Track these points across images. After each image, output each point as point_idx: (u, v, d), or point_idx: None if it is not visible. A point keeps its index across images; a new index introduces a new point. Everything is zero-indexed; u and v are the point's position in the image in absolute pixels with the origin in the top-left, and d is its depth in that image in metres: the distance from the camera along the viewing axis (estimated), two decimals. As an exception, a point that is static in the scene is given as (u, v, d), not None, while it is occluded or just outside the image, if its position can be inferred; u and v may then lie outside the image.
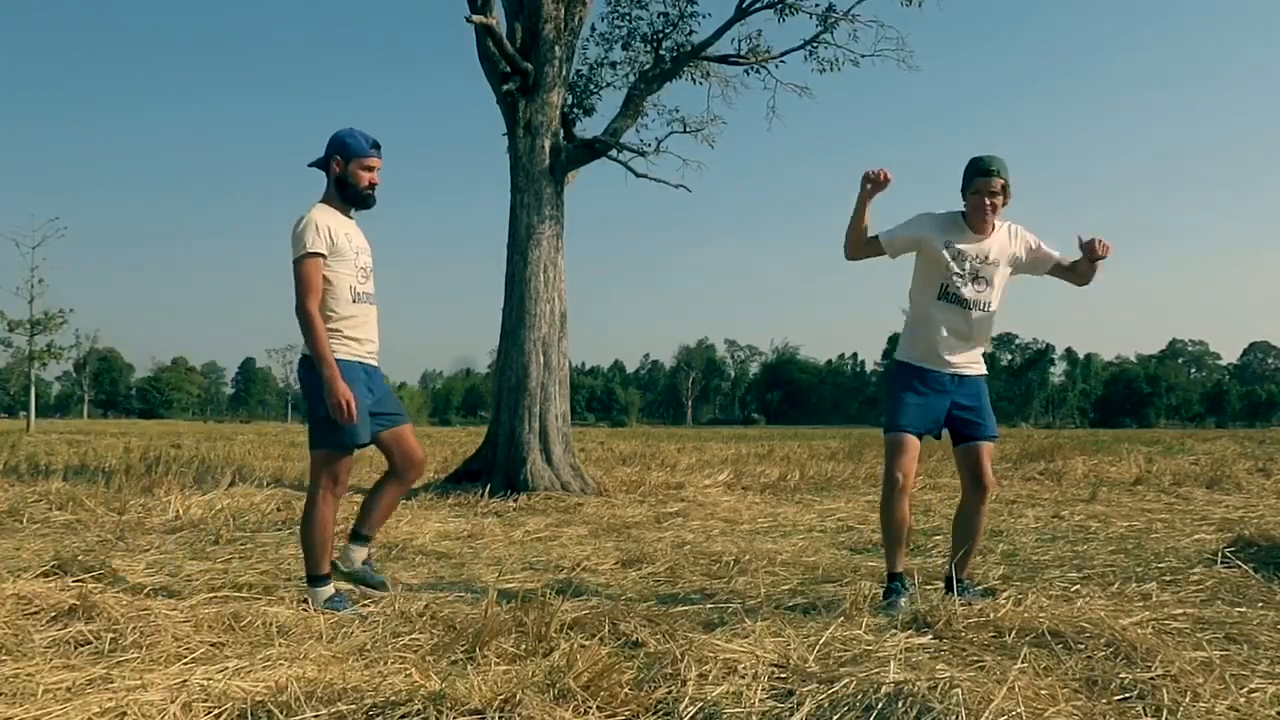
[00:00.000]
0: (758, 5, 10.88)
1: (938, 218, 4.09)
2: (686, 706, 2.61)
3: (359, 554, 4.14)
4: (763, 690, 2.74)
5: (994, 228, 4.06)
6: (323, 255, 3.78)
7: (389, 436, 4.07)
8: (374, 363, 4.00)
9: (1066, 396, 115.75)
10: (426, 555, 5.75)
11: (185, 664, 3.01)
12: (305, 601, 3.90)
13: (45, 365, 41.97)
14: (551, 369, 9.96)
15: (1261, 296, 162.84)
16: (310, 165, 3.99)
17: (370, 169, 3.87)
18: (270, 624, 3.56)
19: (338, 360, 3.78)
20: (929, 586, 4.42)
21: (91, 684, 2.79)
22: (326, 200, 3.94)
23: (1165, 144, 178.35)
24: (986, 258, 4.03)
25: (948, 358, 4.06)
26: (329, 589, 3.94)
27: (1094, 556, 5.53)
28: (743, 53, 11.37)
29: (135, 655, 3.11)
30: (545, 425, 9.82)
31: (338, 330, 3.86)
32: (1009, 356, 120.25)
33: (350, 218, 3.98)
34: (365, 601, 4.06)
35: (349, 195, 3.90)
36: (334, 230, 3.84)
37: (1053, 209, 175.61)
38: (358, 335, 3.90)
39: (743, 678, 2.82)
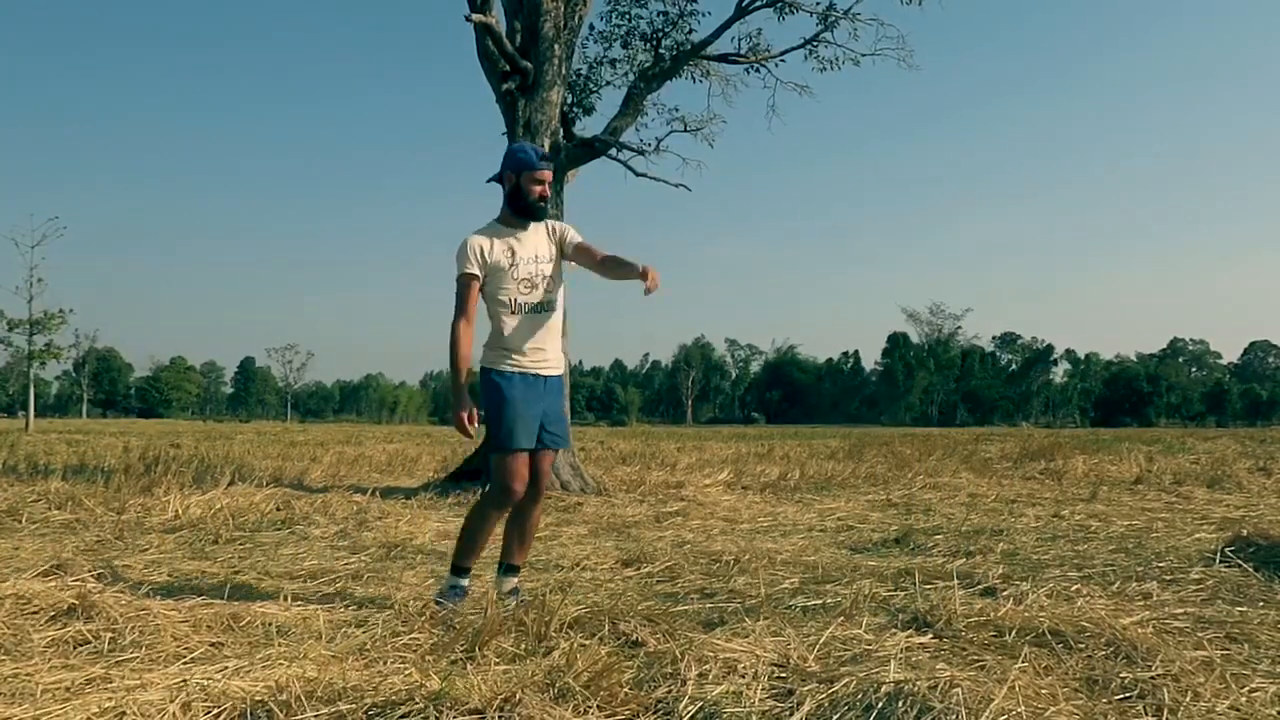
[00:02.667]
0: (757, 4, 10.88)
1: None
2: (686, 706, 2.61)
3: (506, 583, 4.14)
4: (763, 690, 2.73)
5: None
6: (475, 276, 3.89)
7: (536, 455, 4.05)
8: (547, 373, 4.00)
9: (1067, 396, 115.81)
10: (426, 555, 5.75)
11: (185, 664, 3.01)
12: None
13: (44, 365, 42.03)
14: (551, 368, 9.94)
15: (1261, 296, 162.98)
16: (488, 181, 4.10)
17: (540, 181, 3.97)
18: (270, 624, 3.56)
19: (499, 374, 3.90)
20: (929, 586, 4.42)
21: (90, 684, 2.79)
22: (501, 215, 4.03)
23: (1165, 143, 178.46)
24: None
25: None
26: (461, 581, 4.02)
27: (1094, 556, 5.52)
28: (743, 51, 11.38)
29: (134, 655, 3.11)
30: (545, 424, 9.80)
31: (501, 346, 3.94)
32: (1010, 356, 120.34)
33: (523, 229, 4.02)
34: (362, 602, 4.05)
35: (520, 206, 3.99)
36: (490, 249, 3.91)
37: (1053, 209, 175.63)
38: (521, 347, 3.94)
39: (743, 677, 2.82)
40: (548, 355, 3.99)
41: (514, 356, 3.92)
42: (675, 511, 8.15)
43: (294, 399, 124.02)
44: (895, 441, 23.67)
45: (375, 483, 10.31)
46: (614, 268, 3.88)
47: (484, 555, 5.74)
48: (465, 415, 3.85)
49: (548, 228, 4.06)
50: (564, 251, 4.06)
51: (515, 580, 4.15)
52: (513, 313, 3.92)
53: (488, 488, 4.01)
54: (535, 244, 4.00)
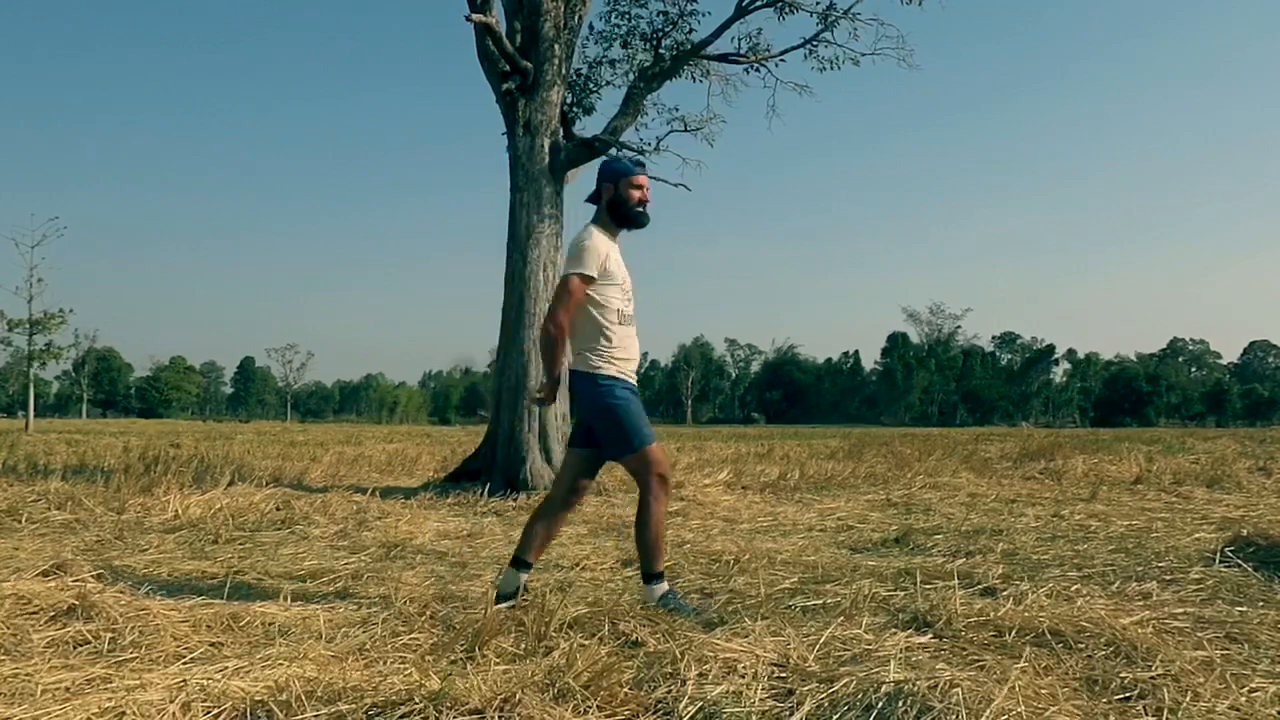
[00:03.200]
0: (757, 3, 10.88)
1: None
2: (686, 706, 2.61)
3: (656, 591, 4.05)
4: (763, 689, 2.73)
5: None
6: (592, 279, 3.88)
7: (587, 456, 4.06)
8: (634, 381, 4.06)
9: (1067, 396, 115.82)
10: (426, 555, 5.75)
11: (184, 664, 3.00)
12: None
13: (44, 365, 41.98)
14: (551, 368, 9.95)
15: (1261, 296, 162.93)
16: (586, 201, 4.12)
17: (639, 186, 3.98)
18: (269, 623, 3.56)
19: (615, 378, 3.93)
20: (929, 586, 4.42)
21: (90, 684, 2.78)
22: (600, 224, 4.02)
23: (1165, 143, 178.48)
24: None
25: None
26: (664, 585, 3.98)
27: (1094, 556, 5.52)
28: (743, 51, 11.37)
29: (134, 655, 3.11)
30: (545, 424, 9.82)
31: (611, 354, 3.95)
32: (1010, 356, 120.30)
33: (616, 241, 4.04)
34: (361, 601, 4.05)
35: (621, 215, 3.99)
36: (609, 256, 3.94)
37: (1053, 208, 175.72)
38: (624, 355, 3.98)
39: (743, 677, 2.82)
40: (635, 366, 4.05)
41: (620, 364, 3.96)
42: (675, 511, 8.15)
43: (294, 399, 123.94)
44: (895, 441, 23.66)
45: (375, 483, 10.31)
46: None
47: (483, 554, 5.75)
48: (553, 388, 3.97)
49: None
50: None
51: (661, 585, 4.01)
52: (619, 322, 3.96)
53: (644, 487, 3.97)
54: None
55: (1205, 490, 9.90)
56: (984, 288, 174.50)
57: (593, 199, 4.08)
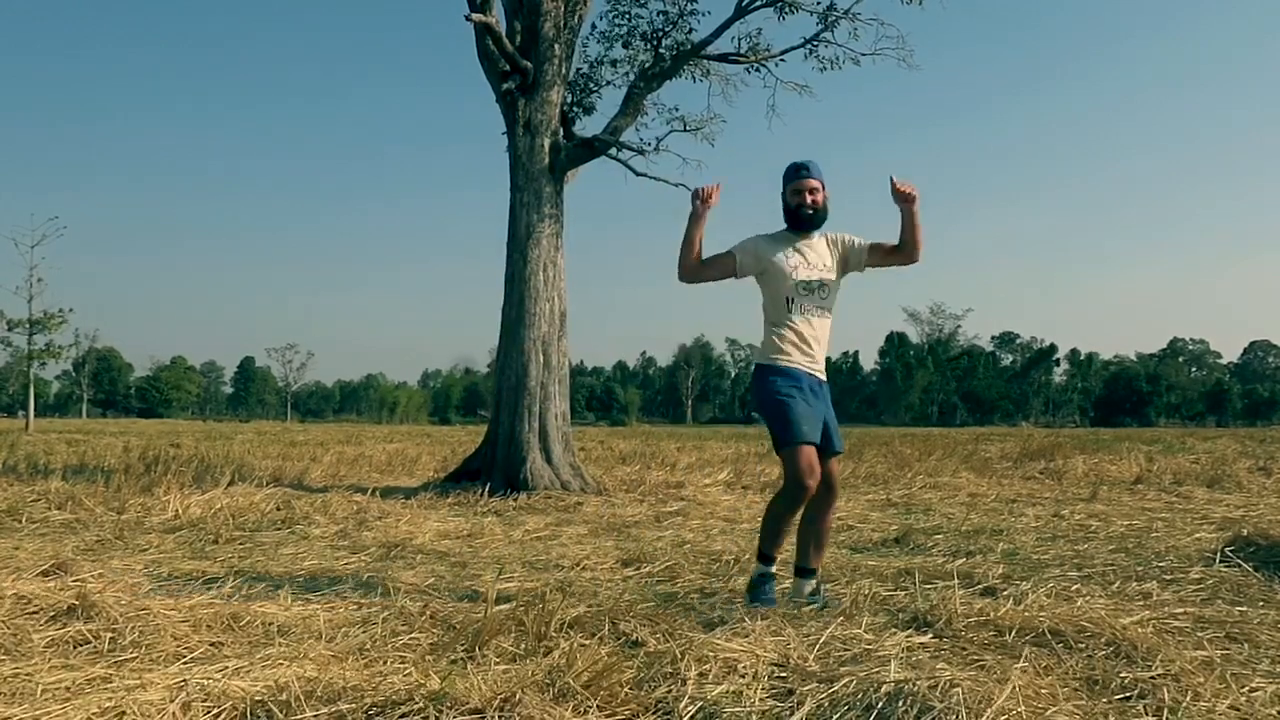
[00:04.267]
0: (757, 3, 10.87)
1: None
2: (686, 706, 2.61)
3: (805, 586, 4.15)
4: (763, 689, 2.73)
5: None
6: (733, 257, 4.10)
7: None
8: (822, 377, 4.10)
9: (1067, 396, 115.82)
10: (426, 555, 5.75)
11: (184, 664, 3.00)
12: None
13: (44, 365, 42.03)
14: (551, 368, 9.96)
15: (1261, 296, 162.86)
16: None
17: (799, 190, 4.10)
18: (269, 623, 3.56)
19: (781, 368, 4.01)
20: (929, 586, 4.42)
21: (90, 684, 2.78)
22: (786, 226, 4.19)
23: (1165, 143, 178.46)
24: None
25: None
26: (767, 569, 4.06)
27: (1094, 556, 5.52)
28: (743, 51, 11.37)
29: (134, 655, 3.11)
30: (545, 424, 9.82)
31: (781, 348, 4.04)
32: (1010, 356, 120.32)
33: (806, 237, 4.15)
34: (360, 601, 4.05)
35: (788, 216, 4.15)
36: (765, 249, 4.10)
37: (1052, 208, 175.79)
38: (801, 348, 4.05)
39: (743, 677, 2.82)
40: (819, 361, 4.09)
41: (795, 355, 4.01)
42: (675, 511, 8.15)
43: (294, 399, 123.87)
44: (895, 441, 23.66)
45: (375, 482, 10.31)
46: (908, 238, 4.08)
47: (484, 554, 5.75)
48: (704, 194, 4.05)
49: (828, 239, 4.19)
50: (851, 261, 4.20)
51: (814, 582, 4.14)
52: (793, 315, 4.03)
53: (782, 485, 4.01)
54: (820, 252, 4.13)
55: (1205, 490, 9.91)
56: (984, 288, 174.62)
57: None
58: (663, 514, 7.96)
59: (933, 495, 9.62)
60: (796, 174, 4.11)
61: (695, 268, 4.09)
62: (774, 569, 4.12)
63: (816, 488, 3.90)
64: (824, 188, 4.12)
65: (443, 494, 9.07)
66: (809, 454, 3.87)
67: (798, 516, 4.09)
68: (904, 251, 4.13)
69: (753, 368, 4.15)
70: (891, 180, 4.05)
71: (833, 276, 4.13)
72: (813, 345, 4.05)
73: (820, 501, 4.04)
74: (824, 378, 4.10)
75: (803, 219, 4.09)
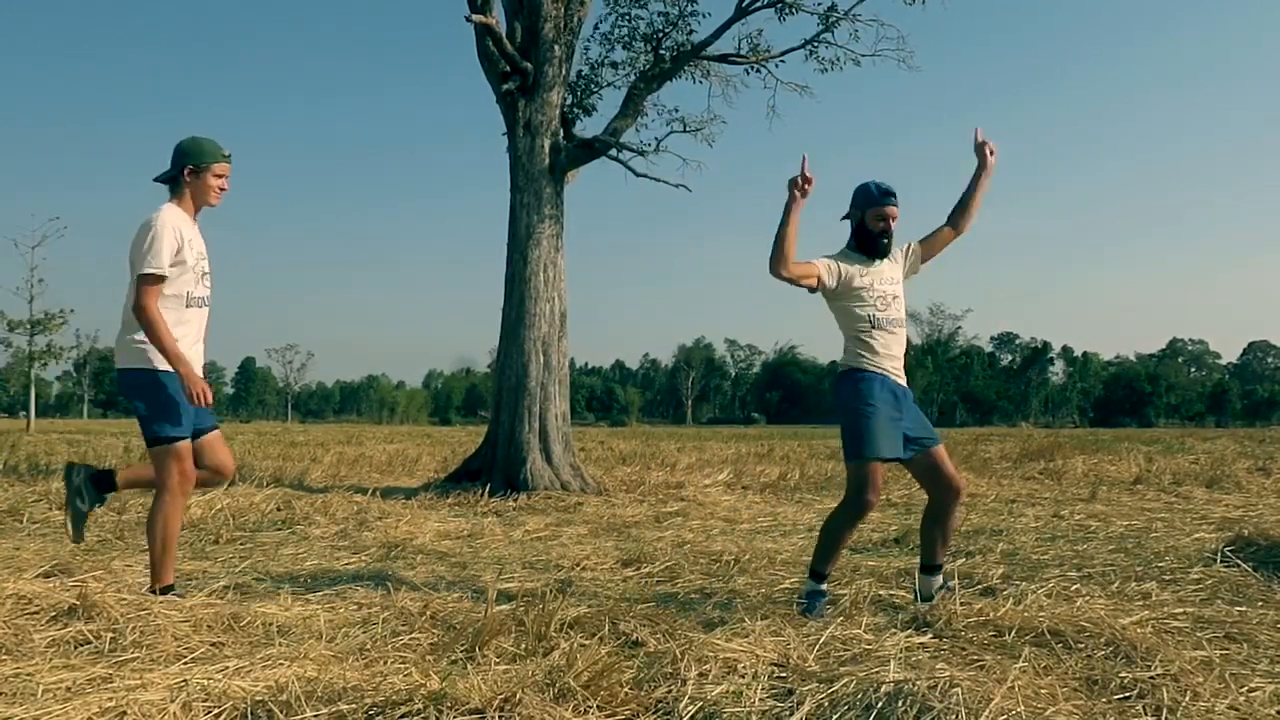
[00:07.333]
0: (758, 4, 10.87)
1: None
2: (686, 706, 2.61)
3: (934, 582, 4.13)
4: (763, 689, 2.74)
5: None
6: (821, 273, 4.00)
7: (921, 460, 4.07)
8: (903, 381, 4.10)
9: (1067, 396, 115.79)
10: (426, 555, 5.75)
11: (185, 664, 3.01)
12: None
13: (45, 365, 41.94)
14: (551, 368, 9.96)
15: (1261, 296, 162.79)
16: (842, 219, 4.20)
17: (883, 217, 4.05)
18: (270, 624, 3.56)
19: (864, 374, 3.98)
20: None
21: (91, 684, 2.79)
22: (850, 245, 4.15)
23: (1165, 143, 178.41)
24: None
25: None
26: (820, 586, 4.02)
27: (1094, 556, 5.52)
28: (743, 52, 11.37)
29: (135, 655, 3.12)
30: (545, 425, 9.82)
31: (863, 360, 4.02)
32: (1008, 356, 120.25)
33: (871, 263, 4.11)
34: (361, 602, 4.05)
35: (864, 242, 4.10)
36: (847, 276, 4.04)
37: (1052, 208, 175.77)
38: (883, 358, 4.04)
39: (743, 677, 2.82)
40: (901, 365, 4.10)
41: (881, 361, 4.02)
42: (675, 511, 8.15)
43: (294, 399, 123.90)
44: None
45: (375, 483, 10.31)
46: (968, 198, 4.19)
47: (484, 555, 5.75)
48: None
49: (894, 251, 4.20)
50: (909, 267, 4.24)
51: (940, 577, 4.13)
52: (873, 328, 4.03)
53: (843, 497, 3.99)
54: (891, 270, 4.14)
55: (1205, 490, 9.91)
56: (984, 288, 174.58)
57: (848, 218, 4.17)
58: (663, 514, 7.96)
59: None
60: (883, 198, 4.05)
61: (791, 266, 3.93)
62: (825, 586, 4.06)
63: (876, 501, 3.90)
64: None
65: (443, 494, 9.07)
66: (876, 471, 3.87)
67: (853, 535, 4.10)
68: (958, 216, 4.20)
69: (837, 371, 4.14)
70: (976, 132, 4.12)
71: (901, 290, 4.16)
72: (894, 349, 4.07)
73: (947, 499, 4.02)
74: (904, 382, 4.11)
75: (880, 249, 4.07)
